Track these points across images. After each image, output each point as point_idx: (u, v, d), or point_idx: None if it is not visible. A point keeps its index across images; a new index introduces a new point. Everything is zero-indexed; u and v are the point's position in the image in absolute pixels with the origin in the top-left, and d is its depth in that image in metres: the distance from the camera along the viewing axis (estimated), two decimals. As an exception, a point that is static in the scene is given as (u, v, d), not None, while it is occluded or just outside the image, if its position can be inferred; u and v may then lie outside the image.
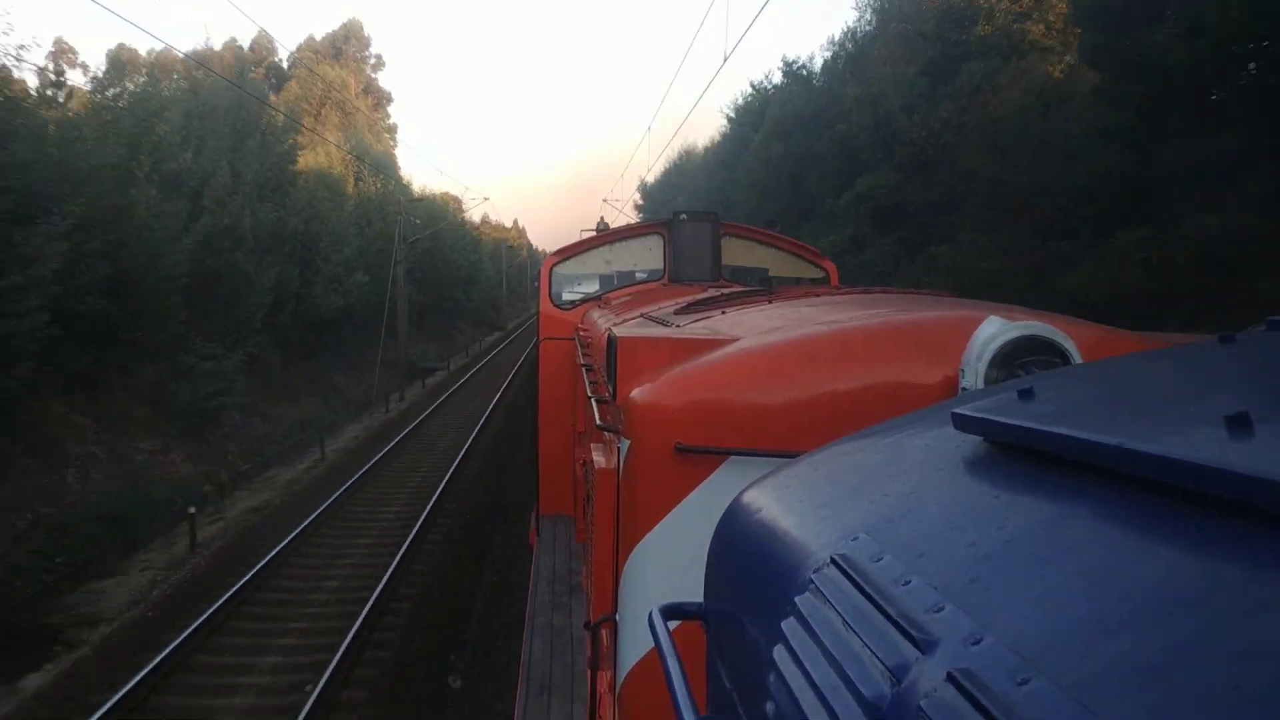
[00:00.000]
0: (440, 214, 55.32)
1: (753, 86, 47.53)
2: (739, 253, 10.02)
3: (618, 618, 3.40)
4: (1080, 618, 0.83)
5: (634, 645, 3.26)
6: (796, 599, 1.23)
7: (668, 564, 3.15)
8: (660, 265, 9.84)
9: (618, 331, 3.95)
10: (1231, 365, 1.18)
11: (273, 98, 43.93)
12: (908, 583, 1.05)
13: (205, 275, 22.39)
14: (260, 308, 25.66)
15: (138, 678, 9.40)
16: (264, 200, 28.27)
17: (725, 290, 6.88)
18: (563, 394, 9.35)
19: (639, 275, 10.07)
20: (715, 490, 3.05)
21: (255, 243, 25.89)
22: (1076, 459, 1.03)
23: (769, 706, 1.21)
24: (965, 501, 1.17)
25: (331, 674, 9.57)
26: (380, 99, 58.90)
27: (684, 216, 9.84)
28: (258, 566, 12.91)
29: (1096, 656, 0.76)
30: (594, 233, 10.87)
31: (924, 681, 0.90)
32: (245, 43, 53.63)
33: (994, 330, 2.97)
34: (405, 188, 52.07)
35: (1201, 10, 13.49)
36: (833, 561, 1.21)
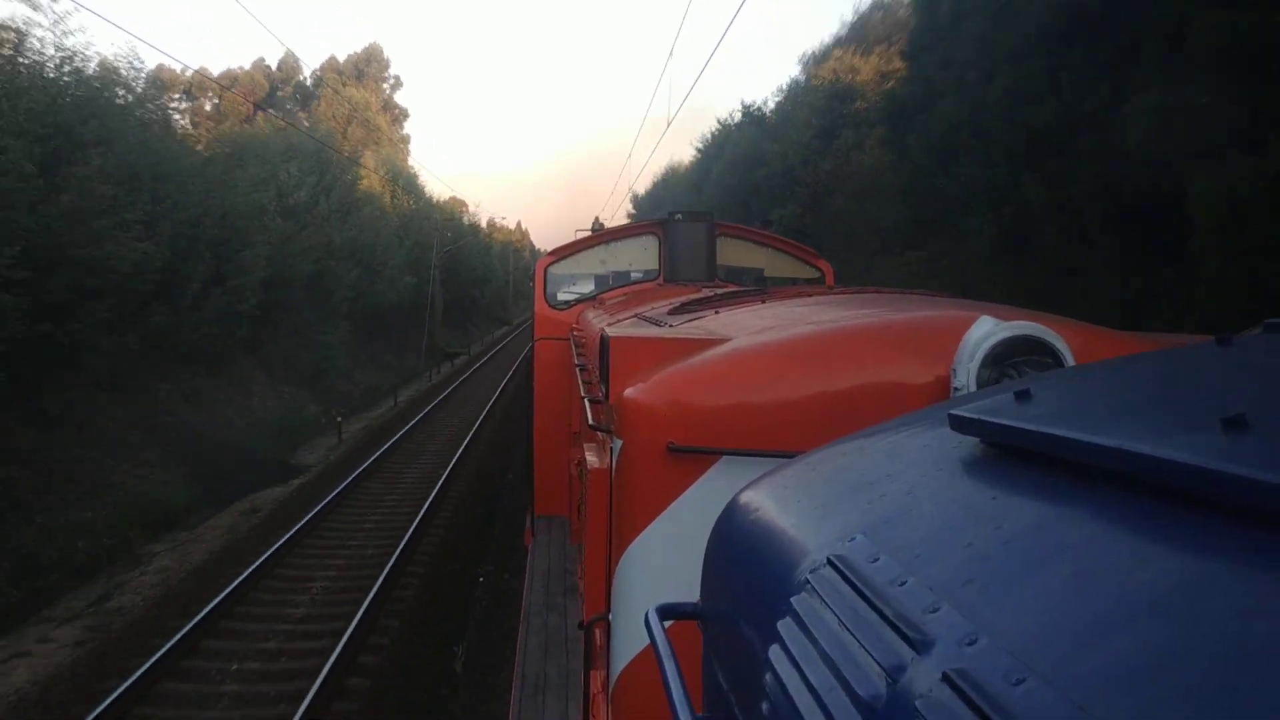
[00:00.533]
0: (459, 224, 67.62)
1: (719, 122, 55.67)
2: (734, 253, 10.02)
3: (611, 617, 3.41)
4: (1075, 619, 0.83)
5: (627, 645, 3.26)
6: (793, 599, 1.23)
7: (661, 564, 3.15)
8: (655, 265, 9.83)
9: (610, 331, 3.95)
10: (1228, 368, 1.18)
11: (301, 114, 54.32)
12: (904, 583, 1.06)
13: (313, 277, 32.24)
14: (345, 300, 35.62)
15: (337, 490, 17.82)
16: (343, 220, 38.86)
17: (719, 290, 6.88)
18: (558, 395, 9.34)
19: (634, 275, 10.06)
20: (708, 490, 3.05)
21: (341, 253, 36.16)
22: (1073, 460, 1.03)
23: (765, 706, 1.21)
24: (962, 503, 1.18)
25: (442, 485, 18.27)
26: (397, 115, 65.49)
27: (679, 216, 9.84)
28: (384, 446, 22.50)
29: (1091, 657, 0.76)
30: (589, 233, 10.86)
31: (919, 682, 0.91)
32: (273, 62, 60.22)
33: (986, 330, 2.97)
34: (431, 205, 61.81)
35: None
36: (829, 562, 1.21)
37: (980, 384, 2.88)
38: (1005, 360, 2.92)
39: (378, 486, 19.03)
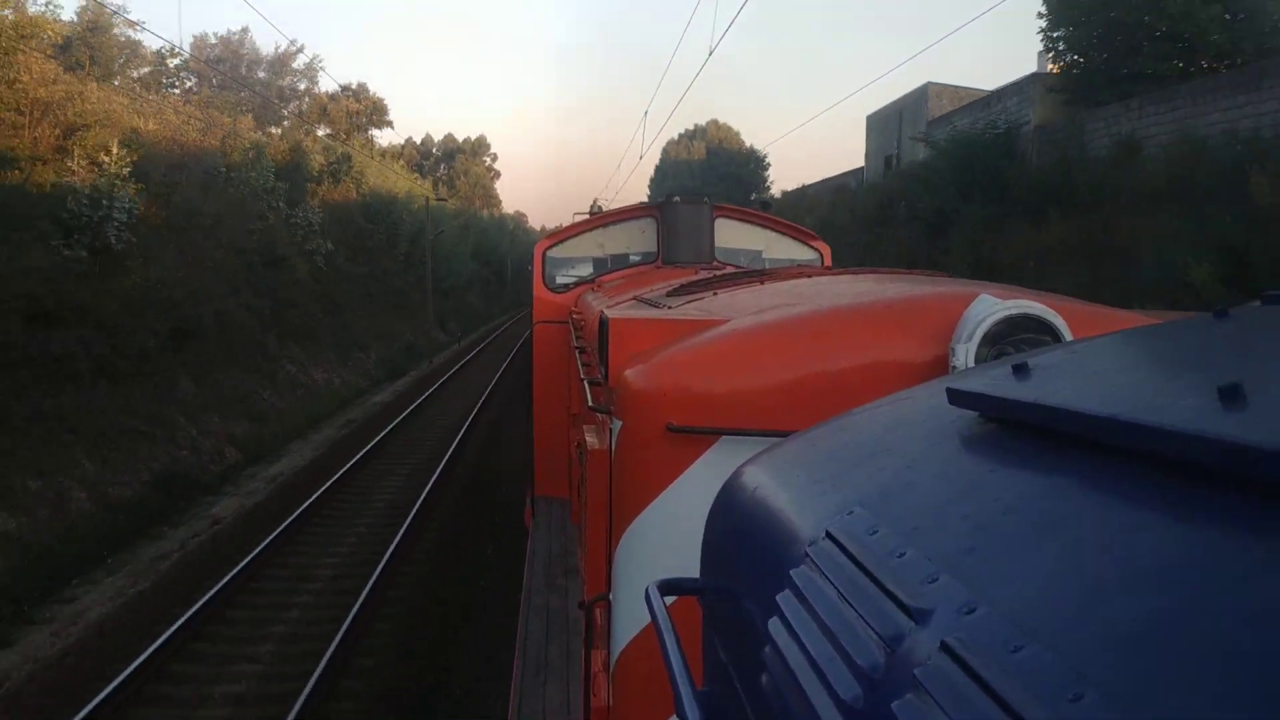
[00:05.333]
0: (520, 230, 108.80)
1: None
2: (732, 234, 9.99)
3: (611, 597, 3.42)
4: (1073, 586, 0.84)
5: (628, 624, 3.28)
6: (792, 572, 1.24)
7: (661, 544, 3.17)
8: (654, 248, 9.81)
9: (609, 313, 3.95)
10: (1225, 339, 1.18)
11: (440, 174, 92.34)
12: (902, 555, 1.06)
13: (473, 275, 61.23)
14: (460, 284, 58.32)
15: (402, 416, 23.96)
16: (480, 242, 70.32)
17: (718, 272, 6.87)
18: (557, 377, 9.34)
19: (632, 258, 10.04)
20: (707, 470, 3.06)
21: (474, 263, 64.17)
22: (1070, 432, 1.04)
23: (764, 678, 1.22)
24: (960, 475, 1.18)
25: (475, 413, 24.40)
26: (496, 175, 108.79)
27: (677, 199, 9.81)
28: (433, 387, 29.67)
29: (1089, 624, 0.77)
30: (587, 216, 10.83)
31: (918, 651, 0.91)
32: (418, 139, 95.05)
33: (985, 308, 2.97)
34: (506, 220, 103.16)
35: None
36: (828, 535, 1.22)
37: (979, 362, 2.89)
38: (1004, 339, 2.92)
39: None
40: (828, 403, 2.38)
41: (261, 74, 54.95)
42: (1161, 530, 0.84)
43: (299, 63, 54.94)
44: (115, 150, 19.75)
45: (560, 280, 10.21)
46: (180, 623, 10.08)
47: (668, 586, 1.66)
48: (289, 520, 13.95)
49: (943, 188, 28.01)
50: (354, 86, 59.31)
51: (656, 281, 7.01)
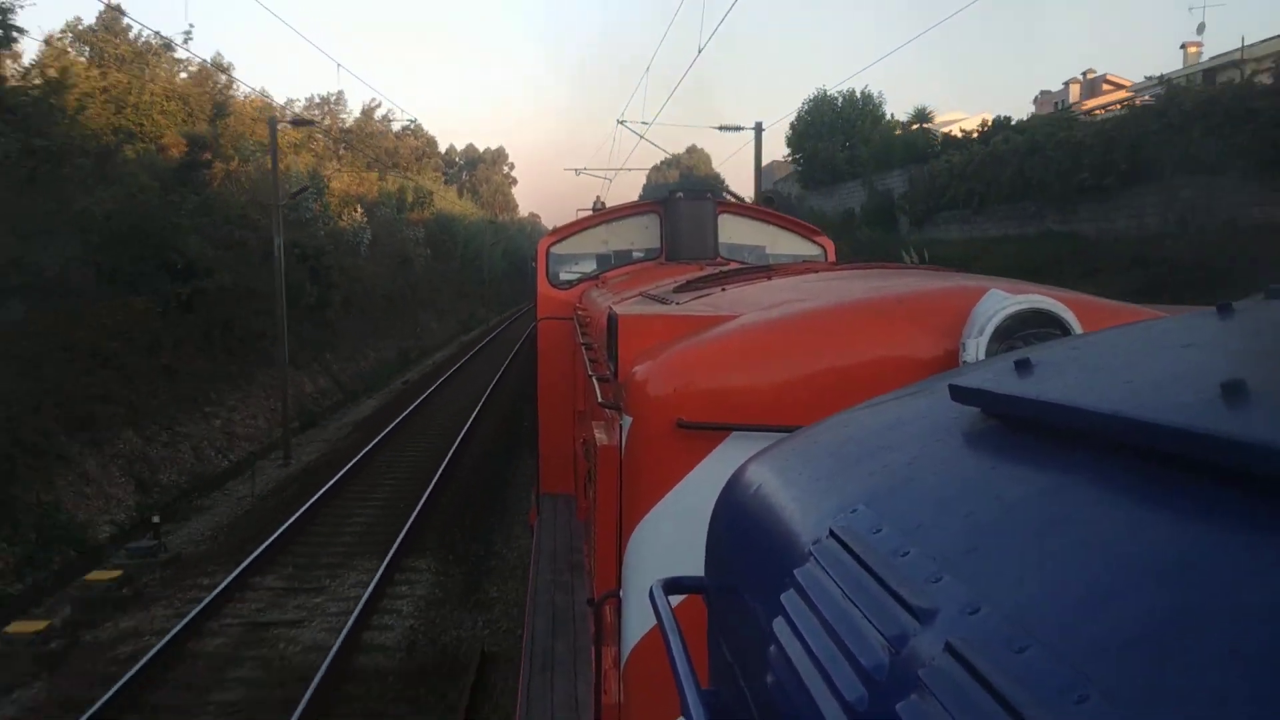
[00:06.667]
0: (538, 229, 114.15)
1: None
2: (736, 230, 9.97)
3: (622, 594, 3.42)
4: (1078, 586, 0.83)
5: (638, 621, 3.28)
6: (796, 571, 1.24)
7: (671, 540, 3.16)
8: (657, 244, 9.79)
9: (618, 310, 3.95)
10: (1229, 334, 1.18)
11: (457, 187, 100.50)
12: (906, 554, 1.06)
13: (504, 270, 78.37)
14: (493, 277, 73.41)
15: (484, 341, 48.68)
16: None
17: (723, 268, 6.86)
18: (562, 373, 9.34)
19: (636, 254, 10.02)
20: (718, 466, 3.05)
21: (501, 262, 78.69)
22: (1073, 429, 1.03)
23: (769, 678, 1.22)
24: (963, 473, 1.18)
25: (520, 343, 38.28)
26: (513, 182, 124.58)
27: (680, 195, 9.79)
28: (495, 332, 54.47)
29: (1094, 623, 0.77)
30: (590, 212, 10.82)
31: (923, 651, 0.91)
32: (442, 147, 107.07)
33: (996, 303, 2.96)
34: (529, 233, 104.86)
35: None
36: (831, 534, 1.22)
37: (989, 357, 2.88)
38: (1014, 333, 2.91)
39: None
40: (838, 398, 2.37)
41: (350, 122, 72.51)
42: (1165, 528, 0.83)
43: (379, 115, 72.13)
44: (359, 210, 42.49)
45: (564, 276, 10.20)
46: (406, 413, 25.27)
47: (672, 585, 1.66)
48: (454, 369, 35.26)
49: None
50: (412, 127, 77.68)
51: (661, 278, 7.00)
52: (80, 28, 33.33)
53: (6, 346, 14.84)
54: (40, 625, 11.33)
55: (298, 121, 34.92)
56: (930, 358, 3.03)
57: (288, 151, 37.73)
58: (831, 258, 9.83)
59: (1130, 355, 1.23)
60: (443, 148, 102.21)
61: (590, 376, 4.59)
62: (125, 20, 33.26)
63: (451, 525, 15.24)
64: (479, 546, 14.38)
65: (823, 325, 3.32)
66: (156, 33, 32.98)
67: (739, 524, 1.58)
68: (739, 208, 10.27)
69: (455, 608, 12.03)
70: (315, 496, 16.09)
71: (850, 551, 1.15)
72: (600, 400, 3.97)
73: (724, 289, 4.61)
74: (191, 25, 75.53)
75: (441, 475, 17.69)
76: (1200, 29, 39.05)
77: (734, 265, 7.82)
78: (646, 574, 3.21)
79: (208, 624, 11.22)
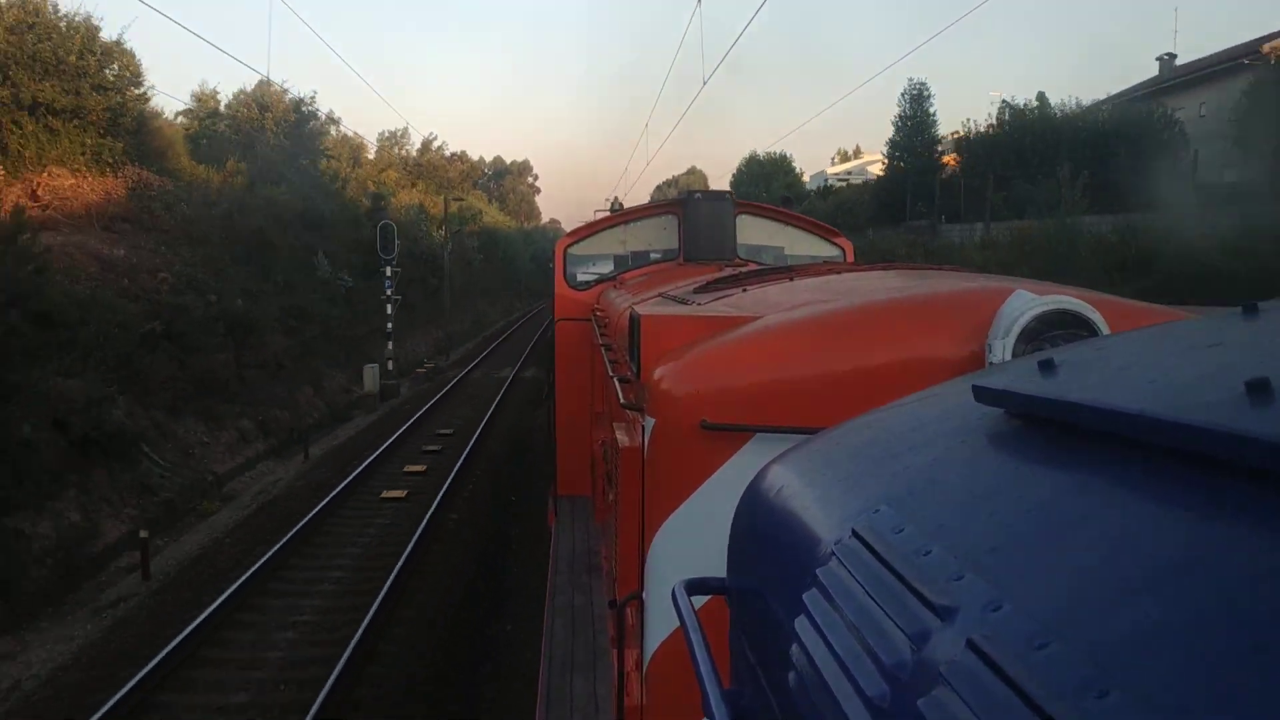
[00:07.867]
0: (559, 232, 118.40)
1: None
2: (754, 231, 9.95)
3: (644, 596, 3.42)
4: (1099, 584, 0.83)
5: (661, 623, 3.28)
6: (818, 570, 1.24)
7: (695, 541, 3.15)
8: (675, 245, 9.78)
9: (640, 310, 3.95)
10: (1254, 334, 1.17)
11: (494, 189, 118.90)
12: (928, 553, 1.06)
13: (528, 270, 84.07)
14: (522, 276, 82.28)
15: (523, 319, 64.88)
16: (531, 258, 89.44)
17: (743, 269, 6.85)
18: (579, 374, 9.34)
19: (654, 255, 10.02)
20: (742, 467, 3.05)
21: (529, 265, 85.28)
22: (1096, 429, 1.03)
23: (791, 677, 1.23)
24: (986, 473, 1.18)
25: (520, 363, 37.83)
26: (537, 191, 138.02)
27: (698, 195, 9.79)
28: (528, 314, 68.66)
29: (1115, 621, 0.77)
30: (608, 213, 10.83)
31: (944, 648, 0.92)
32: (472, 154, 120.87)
33: (1022, 304, 2.94)
34: (553, 238, 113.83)
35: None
36: (854, 533, 1.22)
37: (1016, 358, 2.86)
38: (1041, 335, 2.89)
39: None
40: (863, 399, 2.37)
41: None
42: (1188, 527, 0.83)
43: (434, 146, 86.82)
44: (444, 230, 50.09)
45: (581, 278, 10.20)
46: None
47: (695, 586, 1.67)
48: (510, 331, 54.59)
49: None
50: (460, 154, 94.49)
51: (680, 279, 7.00)
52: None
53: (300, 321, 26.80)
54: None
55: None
56: (956, 359, 3.01)
57: (395, 189, 54.45)
58: (850, 259, 9.80)
59: (1154, 355, 1.23)
60: (473, 157, 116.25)
61: (611, 377, 4.59)
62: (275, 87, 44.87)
63: (527, 366, 35.08)
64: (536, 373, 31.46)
65: (847, 326, 3.30)
66: (329, 113, 50.00)
67: (761, 524, 1.59)
68: (757, 208, 10.25)
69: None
70: (473, 363, 37.34)
71: (872, 551, 1.15)
72: (622, 401, 3.98)
73: (745, 290, 4.60)
74: (315, 91, 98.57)
75: (523, 360, 36.90)
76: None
77: (753, 266, 7.82)
78: (669, 575, 3.21)
79: (471, 375, 33.72)
